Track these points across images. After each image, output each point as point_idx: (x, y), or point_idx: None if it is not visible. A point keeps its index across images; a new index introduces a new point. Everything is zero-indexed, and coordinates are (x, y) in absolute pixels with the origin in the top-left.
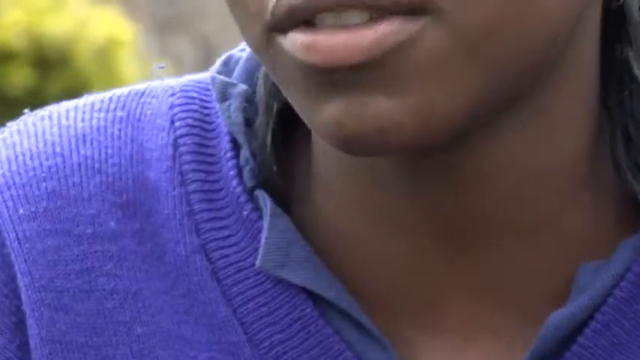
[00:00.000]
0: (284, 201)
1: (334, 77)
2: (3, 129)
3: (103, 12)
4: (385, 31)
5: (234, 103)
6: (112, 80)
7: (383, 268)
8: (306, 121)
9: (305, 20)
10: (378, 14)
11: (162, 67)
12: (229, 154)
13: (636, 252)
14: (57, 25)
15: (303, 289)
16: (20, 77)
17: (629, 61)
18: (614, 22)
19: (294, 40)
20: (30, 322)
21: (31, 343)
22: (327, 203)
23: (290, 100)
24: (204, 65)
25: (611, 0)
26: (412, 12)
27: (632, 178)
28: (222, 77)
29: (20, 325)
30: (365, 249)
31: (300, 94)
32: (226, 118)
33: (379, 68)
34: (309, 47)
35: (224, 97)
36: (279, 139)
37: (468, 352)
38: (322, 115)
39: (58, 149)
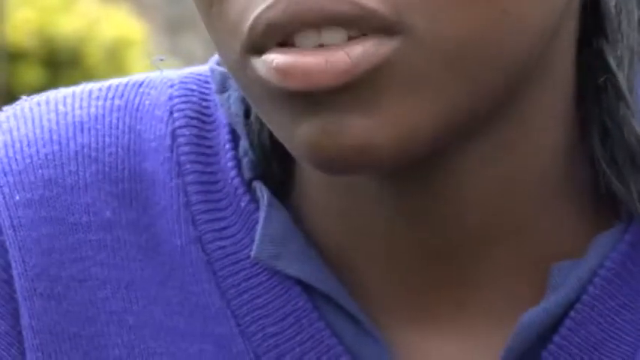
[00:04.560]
0: (283, 193)
1: (309, 99)
2: None
3: (114, 11)
4: (358, 55)
5: (234, 94)
6: None
7: (368, 270)
8: (281, 140)
9: (282, 41)
10: (354, 32)
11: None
12: (228, 146)
13: (609, 248)
14: (68, 25)
15: (299, 282)
16: (31, 76)
17: (604, 55)
18: (590, 16)
19: (269, 62)
20: (22, 311)
21: (24, 333)
22: (315, 205)
23: (264, 119)
24: None
25: None
26: (386, 30)
27: (608, 171)
28: (221, 69)
29: (16, 313)
30: (350, 252)
31: (274, 116)
32: (226, 109)
33: (354, 90)
34: (283, 70)
35: (223, 88)
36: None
37: (449, 353)
38: (297, 135)
39: (55, 137)
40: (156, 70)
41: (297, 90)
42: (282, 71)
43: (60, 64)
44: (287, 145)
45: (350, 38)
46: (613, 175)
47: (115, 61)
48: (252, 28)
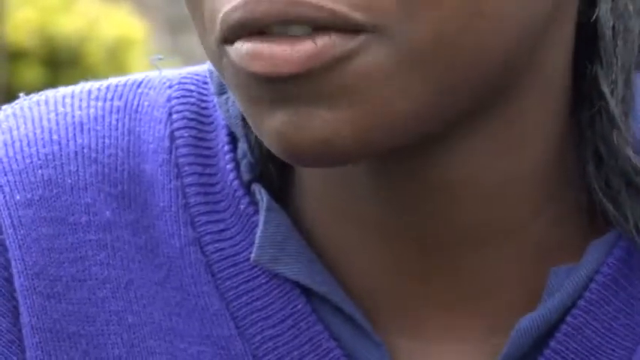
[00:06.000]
0: (282, 195)
1: (276, 88)
2: None
3: (114, 11)
4: (325, 43)
5: (232, 96)
6: None
7: (365, 273)
8: (254, 130)
9: (252, 32)
10: (319, 30)
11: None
12: (227, 148)
13: (605, 253)
14: (68, 24)
15: (298, 285)
16: (31, 76)
17: (598, 82)
18: (585, 38)
19: (240, 48)
20: (22, 309)
21: (23, 331)
22: (313, 206)
23: (241, 109)
24: None
25: (584, 15)
26: (352, 29)
27: (602, 197)
28: None
29: (16, 311)
30: (347, 253)
31: (247, 104)
32: (224, 111)
33: (320, 80)
34: (251, 55)
35: (222, 90)
36: None
37: (447, 356)
38: (266, 125)
39: (55, 137)
40: (156, 69)
41: (263, 74)
42: (249, 55)
43: (60, 63)
44: (258, 135)
45: (315, 32)
46: (609, 202)
47: (116, 60)
48: (221, 24)
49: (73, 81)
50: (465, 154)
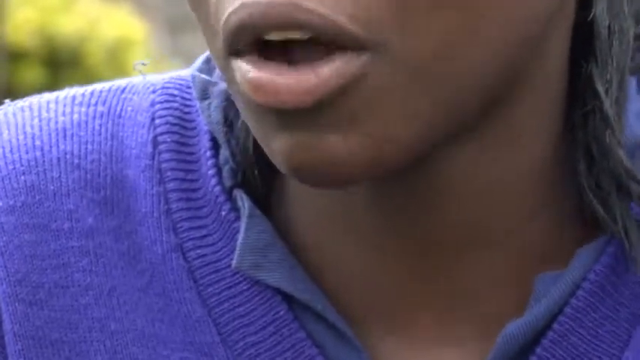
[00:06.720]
0: (264, 202)
1: (282, 115)
2: None
3: (115, 11)
4: (326, 74)
5: (215, 102)
6: None
7: (354, 278)
8: (262, 146)
9: (256, 40)
10: (322, 41)
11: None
12: (209, 153)
13: (592, 260)
14: (68, 25)
15: (280, 292)
16: (31, 76)
17: (593, 81)
18: (582, 38)
19: (244, 74)
20: (4, 316)
21: (6, 338)
22: (300, 211)
23: (246, 122)
24: None
25: (580, 16)
26: (356, 46)
27: (592, 197)
28: (203, 75)
29: None
30: (336, 259)
31: (254, 124)
32: (206, 116)
33: (326, 109)
34: (254, 86)
35: (204, 95)
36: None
37: None
38: (273, 146)
39: (37, 143)
40: (156, 70)
41: (268, 105)
42: (253, 86)
43: (61, 63)
44: (266, 153)
45: (315, 43)
46: (599, 203)
47: (116, 61)
48: (224, 28)
49: (73, 81)
50: (461, 162)
